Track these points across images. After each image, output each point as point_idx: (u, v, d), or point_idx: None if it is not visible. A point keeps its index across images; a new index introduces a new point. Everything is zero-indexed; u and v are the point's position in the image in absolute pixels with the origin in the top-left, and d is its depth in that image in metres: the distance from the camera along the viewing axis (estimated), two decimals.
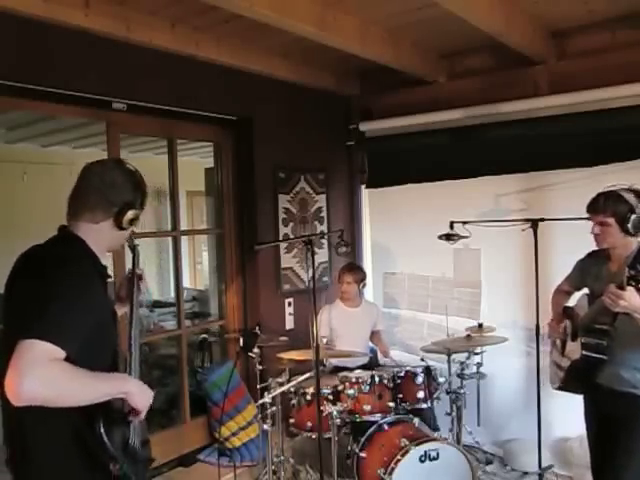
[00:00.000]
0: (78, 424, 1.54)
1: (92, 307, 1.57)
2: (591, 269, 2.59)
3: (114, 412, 1.60)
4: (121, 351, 1.82)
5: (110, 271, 3.42)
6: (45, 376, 1.38)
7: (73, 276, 1.56)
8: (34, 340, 1.39)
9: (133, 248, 2.04)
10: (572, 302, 2.79)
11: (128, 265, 3.47)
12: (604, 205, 2.38)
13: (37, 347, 1.39)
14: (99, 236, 1.71)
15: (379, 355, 4.16)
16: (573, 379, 2.61)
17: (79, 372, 1.45)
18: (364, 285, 4.11)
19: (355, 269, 4.05)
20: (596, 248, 2.55)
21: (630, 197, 2.33)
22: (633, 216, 2.30)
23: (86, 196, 1.70)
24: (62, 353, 1.42)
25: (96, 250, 1.72)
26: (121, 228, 1.73)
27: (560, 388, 2.72)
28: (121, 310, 2.02)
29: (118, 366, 1.75)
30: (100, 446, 1.54)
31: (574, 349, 2.58)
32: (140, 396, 1.62)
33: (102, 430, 1.53)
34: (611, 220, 2.35)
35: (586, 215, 2.50)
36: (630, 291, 2.11)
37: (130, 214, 1.72)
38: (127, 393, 1.58)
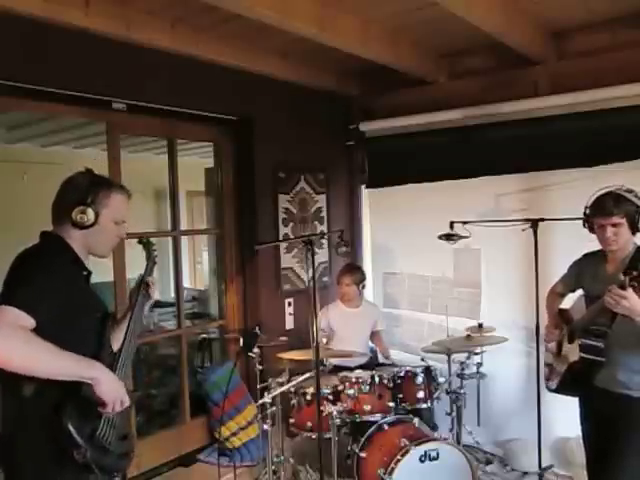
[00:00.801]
0: (46, 411, 1.61)
1: (63, 288, 1.68)
2: (588, 270, 2.59)
3: (85, 403, 1.65)
4: (109, 349, 1.87)
5: (110, 271, 3.42)
6: (13, 337, 1.50)
7: (48, 263, 1.71)
8: (5, 306, 1.53)
9: (149, 259, 2.13)
10: (566, 303, 2.80)
11: (129, 266, 3.47)
12: (615, 207, 2.35)
13: (8, 312, 1.52)
14: (71, 239, 1.83)
15: (379, 355, 4.16)
16: (570, 381, 2.61)
17: (47, 343, 1.55)
18: (364, 286, 4.11)
19: (353, 271, 4.03)
20: (592, 249, 2.56)
21: (632, 197, 2.35)
22: None
23: (54, 205, 1.87)
24: (32, 321, 1.55)
25: (77, 250, 1.84)
26: (79, 226, 1.81)
27: (556, 390, 2.72)
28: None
29: (103, 363, 1.77)
30: (65, 433, 1.60)
31: (572, 351, 2.58)
32: (108, 387, 1.66)
33: (67, 418, 1.60)
34: (623, 221, 2.35)
35: (584, 215, 2.51)
36: (631, 292, 2.12)
37: (78, 209, 1.79)
38: (94, 379, 1.63)
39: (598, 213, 2.40)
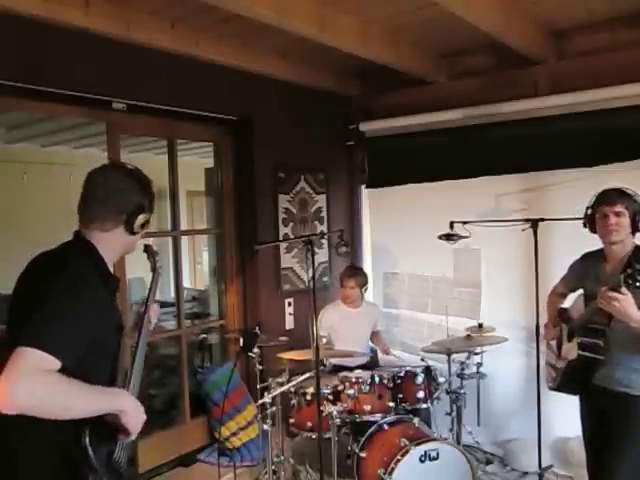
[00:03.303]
0: (64, 434, 1.50)
1: (92, 321, 1.53)
2: (588, 270, 2.59)
3: (103, 426, 1.55)
4: (122, 365, 1.77)
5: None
6: (38, 387, 1.36)
7: (77, 289, 1.52)
8: (31, 348, 1.37)
9: (155, 270, 2.00)
10: (567, 303, 2.80)
11: (129, 267, 3.46)
12: (620, 198, 2.41)
13: (33, 356, 1.36)
14: (111, 244, 1.70)
15: (379, 353, 4.16)
16: (569, 380, 2.62)
17: (74, 384, 1.42)
18: (366, 289, 4.10)
19: (357, 274, 4.01)
20: (591, 249, 2.57)
21: (636, 196, 2.40)
22: None
23: (93, 206, 1.68)
24: (58, 364, 1.40)
25: (107, 257, 1.70)
26: (133, 233, 1.71)
27: (556, 389, 2.73)
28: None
29: (117, 378, 1.70)
30: (83, 457, 1.50)
31: (570, 349, 2.58)
32: (133, 416, 1.59)
33: (87, 441, 1.50)
34: (626, 212, 2.39)
35: (586, 214, 2.52)
36: (625, 293, 2.13)
37: (140, 218, 1.70)
38: (121, 411, 1.55)
39: (603, 201, 2.45)
